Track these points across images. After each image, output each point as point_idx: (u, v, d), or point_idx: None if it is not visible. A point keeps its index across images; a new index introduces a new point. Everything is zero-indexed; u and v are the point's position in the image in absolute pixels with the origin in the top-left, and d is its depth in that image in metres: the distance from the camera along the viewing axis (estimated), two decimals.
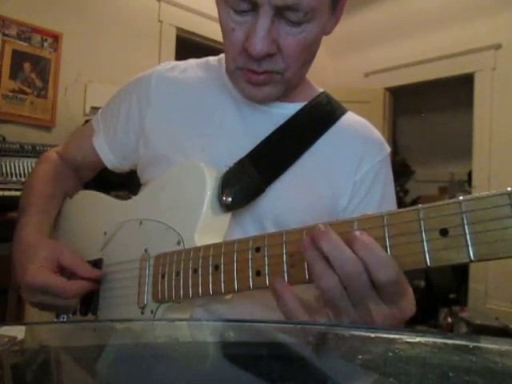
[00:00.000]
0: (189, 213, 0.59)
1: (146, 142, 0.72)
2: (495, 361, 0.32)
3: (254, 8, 0.55)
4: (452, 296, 2.95)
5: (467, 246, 0.35)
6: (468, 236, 0.35)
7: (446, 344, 0.35)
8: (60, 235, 0.82)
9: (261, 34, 0.55)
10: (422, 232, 0.37)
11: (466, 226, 0.35)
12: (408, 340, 0.35)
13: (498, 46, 3.11)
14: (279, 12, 0.55)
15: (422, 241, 0.37)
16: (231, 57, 0.61)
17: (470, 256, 0.35)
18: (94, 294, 0.69)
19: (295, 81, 0.66)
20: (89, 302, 0.69)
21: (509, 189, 0.33)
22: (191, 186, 0.61)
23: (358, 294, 0.39)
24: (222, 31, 0.61)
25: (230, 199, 0.59)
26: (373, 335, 0.38)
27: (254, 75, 0.61)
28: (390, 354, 0.32)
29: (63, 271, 0.65)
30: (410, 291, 0.43)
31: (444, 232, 0.36)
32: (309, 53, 0.61)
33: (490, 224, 0.34)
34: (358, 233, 0.39)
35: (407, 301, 0.41)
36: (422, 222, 0.37)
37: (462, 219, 0.35)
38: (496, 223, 0.33)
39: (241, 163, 0.62)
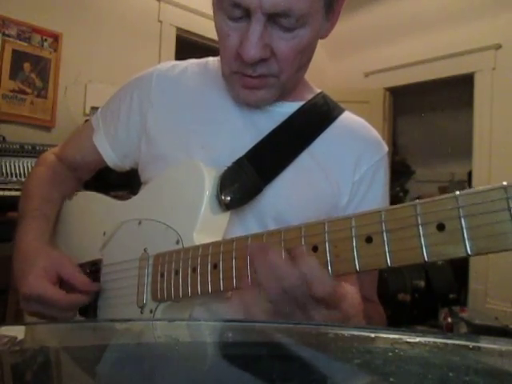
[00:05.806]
0: (188, 212, 0.59)
1: (147, 140, 0.73)
2: (495, 361, 0.32)
3: (247, 15, 0.56)
4: (452, 296, 2.95)
5: (464, 240, 0.34)
6: (465, 230, 0.34)
7: (446, 344, 0.35)
8: (59, 236, 0.82)
9: (253, 40, 0.56)
10: (418, 227, 0.37)
11: (462, 220, 0.35)
12: (408, 340, 0.35)
13: (498, 46, 3.10)
14: (271, 18, 0.56)
15: (419, 236, 0.37)
16: (226, 61, 0.62)
17: (467, 250, 0.34)
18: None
19: (290, 84, 0.66)
20: (88, 302, 0.69)
21: (504, 183, 0.33)
22: (190, 186, 0.61)
23: (298, 301, 0.43)
24: (218, 37, 0.62)
25: (228, 198, 0.59)
26: (373, 335, 0.38)
27: (249, 79, 0.61)
28: (390, 354, 0.32)
29: (63, 282, 0.65)
30: (350, 293, 0.45)
31: (441, 227, 0.36)
32: (303, 57, 0.62)
33: (486, 218, 0.34)
34: (303, 249, 0.43)
35: (347, 303, 0.44)
36: (418, 217, 0.37)
37: (459, 213, 0.35)
38: (492, 217, 0.33)
39: (239, 162, 0.63)
